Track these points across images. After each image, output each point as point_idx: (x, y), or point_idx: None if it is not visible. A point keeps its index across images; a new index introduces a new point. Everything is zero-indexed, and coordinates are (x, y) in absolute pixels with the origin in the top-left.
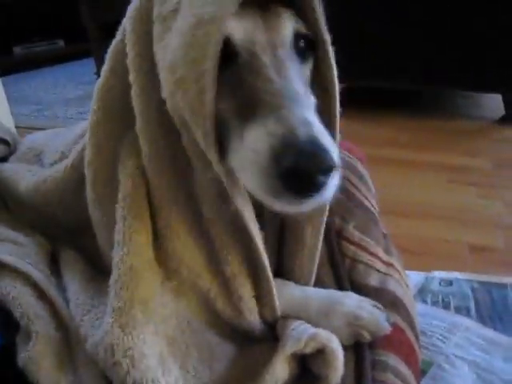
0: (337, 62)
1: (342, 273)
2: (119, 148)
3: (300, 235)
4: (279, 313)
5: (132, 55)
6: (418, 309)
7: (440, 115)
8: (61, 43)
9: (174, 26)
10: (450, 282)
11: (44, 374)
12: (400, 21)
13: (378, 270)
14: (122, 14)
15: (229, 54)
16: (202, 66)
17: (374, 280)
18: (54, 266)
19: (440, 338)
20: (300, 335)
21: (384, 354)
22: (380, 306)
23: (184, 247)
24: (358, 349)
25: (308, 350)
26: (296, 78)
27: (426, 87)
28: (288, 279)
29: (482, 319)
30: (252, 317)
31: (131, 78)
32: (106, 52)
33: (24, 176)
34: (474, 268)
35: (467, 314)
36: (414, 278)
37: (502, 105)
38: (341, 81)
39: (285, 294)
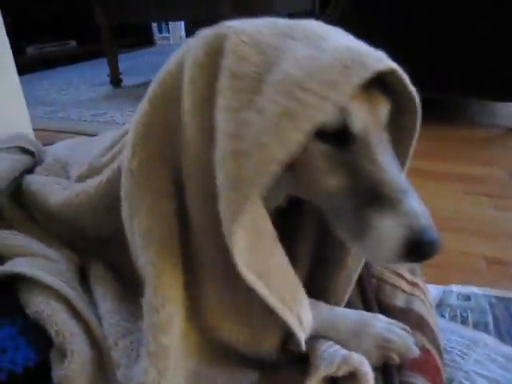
0: None
1: (369, 293)
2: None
3: (342, 258)
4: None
5: (190, 110)
6: (438, 324)
7: (455, 123)
8: (73, 43)
9: (256, 100)
10: (467, 297)
11: None
12: (405, 25)
13: (404, 291)
14: (135, 14)
15: (344, 135)
16: (276, 153)
17: (400, 301)
18: (84, 282)
19: (459, 354)
20: (332, 358)
21: (413, 376)
22: (408, 329)
23: (209, 292)
24: (387, 371)
25: (340, 373)
26: (396, 162)
27: (439, 95)
28: (319, 297)
29: (500, 335)
30: (274, 349)
31: (187, 120)
32: (118, 53)
33: (52, 189)
34: (491, 282)
35: (485, 329)
36: (432, 291)
37: None
38: None
39: (314, 313)
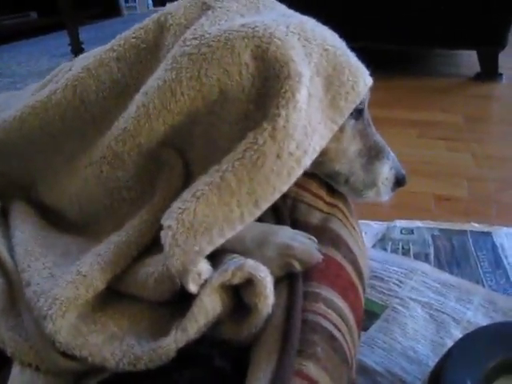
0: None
1: (282, 210)
2: None
3: None
4: None
5: None
6: (376, 256)
7: (417, 74)
8: (33, 15)
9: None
10: (411, 231)
11: None
12: None
13: (321, 210)
14: None
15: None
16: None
17: (315, 218)
18: (4, 219)
19: (396, 282)
20: (228, 266)
21: (317, 286)
22: (314, 238)
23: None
24: (291, 280)
25: (236, 281)
26: None
27: (403, 46)
28: None
29: (440, 264)
30: None
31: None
32: (82, 23)
33: None
34: (438, 217)
35: (426, 259)
36: (376, 227)
37: (477, 62)
38: None
39: None
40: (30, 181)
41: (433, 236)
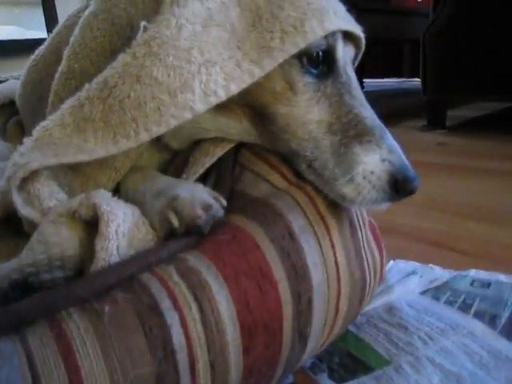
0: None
1: (224, 176)
2: None
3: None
4: None
5: None
6: (415, 302)
7: None
8: None
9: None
10: (486, 284)
11: None
12: None
13: (272, 184)
14: None
15: (329, 65)
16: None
17: (258, 191)
18: None
19: (424, 337)
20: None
21: (194, 254)
22: (222, 200)
23: None
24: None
25: (83, 211)
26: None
27: None
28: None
29: (509, 331)
30: None
31: None
32: None
33: None
34: None
35: (490, 321)
36: (438, 273)
37: None
38: None
39: (134, 179)
40: None
41: None
